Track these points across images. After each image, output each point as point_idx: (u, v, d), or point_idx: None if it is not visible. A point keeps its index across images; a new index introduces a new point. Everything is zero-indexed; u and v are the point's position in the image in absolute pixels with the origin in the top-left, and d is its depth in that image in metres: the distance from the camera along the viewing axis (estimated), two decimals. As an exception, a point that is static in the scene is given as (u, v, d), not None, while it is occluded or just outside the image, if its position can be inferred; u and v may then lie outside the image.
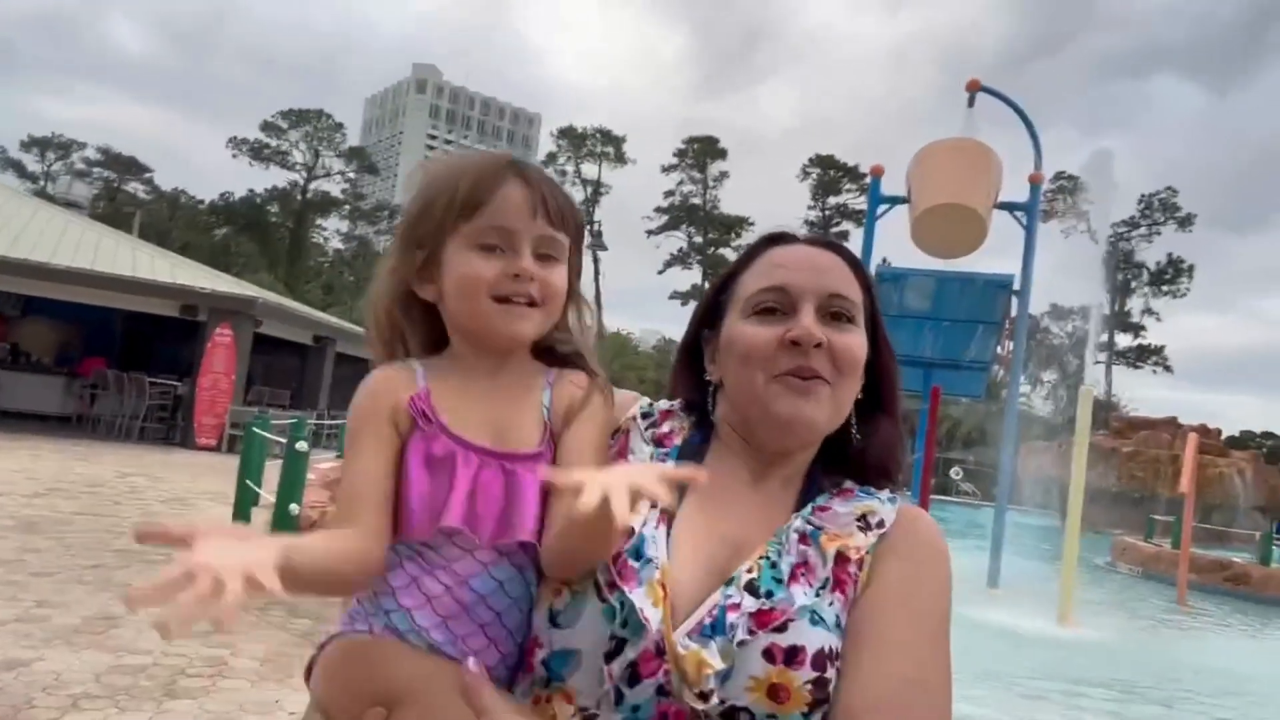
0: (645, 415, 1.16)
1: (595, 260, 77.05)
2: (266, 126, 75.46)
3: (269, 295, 22.44)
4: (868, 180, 13.14)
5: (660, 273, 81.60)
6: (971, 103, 12.83)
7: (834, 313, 1.08)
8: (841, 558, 1.00)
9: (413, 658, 0.97)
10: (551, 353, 1.13)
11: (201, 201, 79.13)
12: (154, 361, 20.26)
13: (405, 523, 1.00)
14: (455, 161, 1.10)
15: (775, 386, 1.04)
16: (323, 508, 7.79)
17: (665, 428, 1.14)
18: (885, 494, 1.10)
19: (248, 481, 8.67)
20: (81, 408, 18.88)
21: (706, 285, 1.20)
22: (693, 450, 1.12)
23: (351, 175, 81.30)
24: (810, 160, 78.26)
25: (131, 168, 79.84)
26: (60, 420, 18.79)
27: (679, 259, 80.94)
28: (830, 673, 0.94)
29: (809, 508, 1.06)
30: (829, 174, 77.31)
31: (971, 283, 12.41)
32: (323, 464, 11.62)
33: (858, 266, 1.14)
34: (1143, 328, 69.93)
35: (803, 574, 0.99)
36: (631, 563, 0.98)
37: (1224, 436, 41.08)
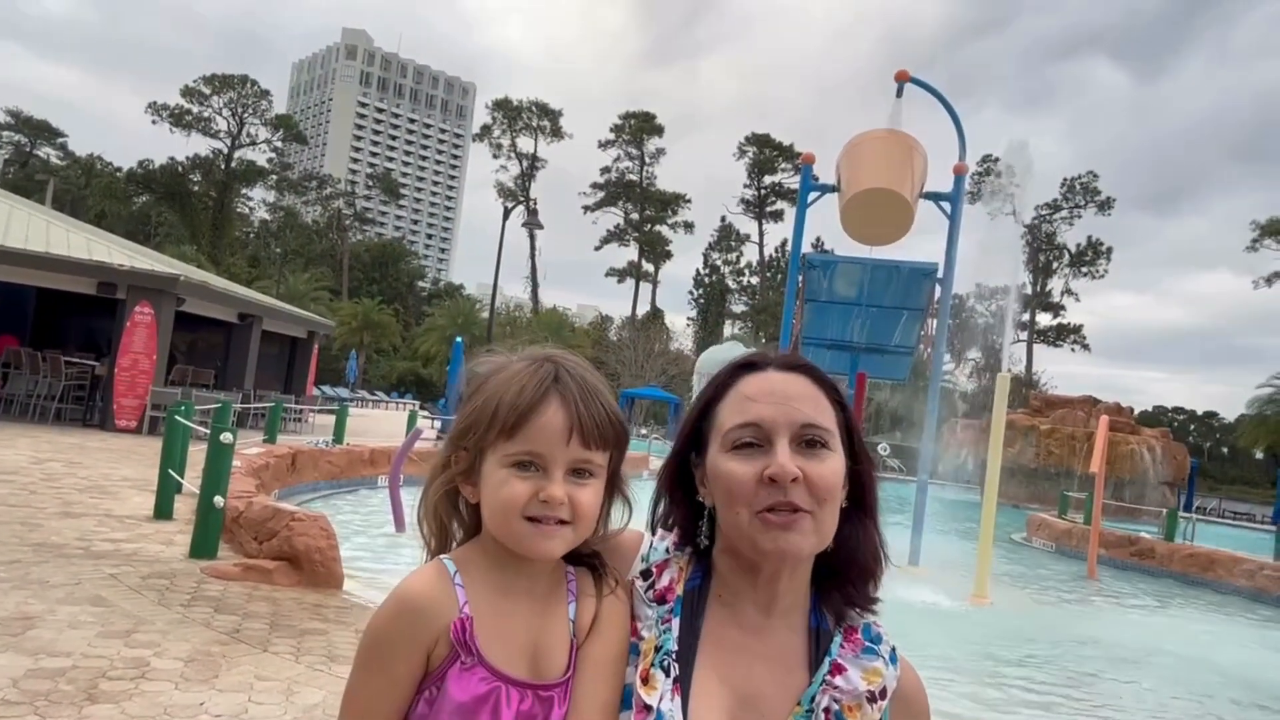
0: (644, 575, 1.18)
1: (532, 237, 76.46)
2: (188, 92, 72.71)
3: (192, 271, 21.80)
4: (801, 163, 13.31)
5: (597, 249, 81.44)
6: (900, 93, 13.06)
7: (808, 440, 1.11)
8: None
9: None
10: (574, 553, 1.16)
11: (119, 169, 76.11)
12: (70, 340, 19.59)
13: None
14: (502, 372, 1.12)
15: (759, 523, 1.09)
16: (249, 498, 7.70)
17: (665, 580, 1.16)
18: (886, 650, 1.16)
19: (170, 471, 8.49)
20: (-8, 387, 18.15)
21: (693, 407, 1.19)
22: (693, 598, 1.15)
23: (278, 144, 78.92)
24: (746, 139, 78.61)
25: (44, 131, 76.35)
26: (-31, 401, 18.05)
27: (616, 235, 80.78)
28: None
29: (826, 664, 1.12)
30: (764, 153, 77.74)
31: (897, 270, 12.71)
32: (249, 449, 11.44)
33: (827, 385, 1.18)
34: (1062, 307, 72.31)
35: None
36: None
37: (1137, 412, 42.84)
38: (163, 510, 8.33)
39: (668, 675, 1.06)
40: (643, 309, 78.78)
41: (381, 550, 9.27)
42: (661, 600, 1.14)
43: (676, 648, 1.09)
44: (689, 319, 79.46)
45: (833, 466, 1.12)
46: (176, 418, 8.98)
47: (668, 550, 1.20)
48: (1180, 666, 8.52)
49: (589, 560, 1.17)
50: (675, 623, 1.11)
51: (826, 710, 1.08)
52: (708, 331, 72.84)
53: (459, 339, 26.85)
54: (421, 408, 36.64)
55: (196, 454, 8.70)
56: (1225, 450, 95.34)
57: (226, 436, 7.04)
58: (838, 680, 1.10)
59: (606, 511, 1.17)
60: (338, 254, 78.67)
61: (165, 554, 6.90)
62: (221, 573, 6.40)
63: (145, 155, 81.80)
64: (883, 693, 1.11)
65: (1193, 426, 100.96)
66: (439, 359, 59.73)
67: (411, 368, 66.17)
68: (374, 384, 62.61)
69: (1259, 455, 73.75)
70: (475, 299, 76.70)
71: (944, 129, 13.27)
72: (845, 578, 1.17)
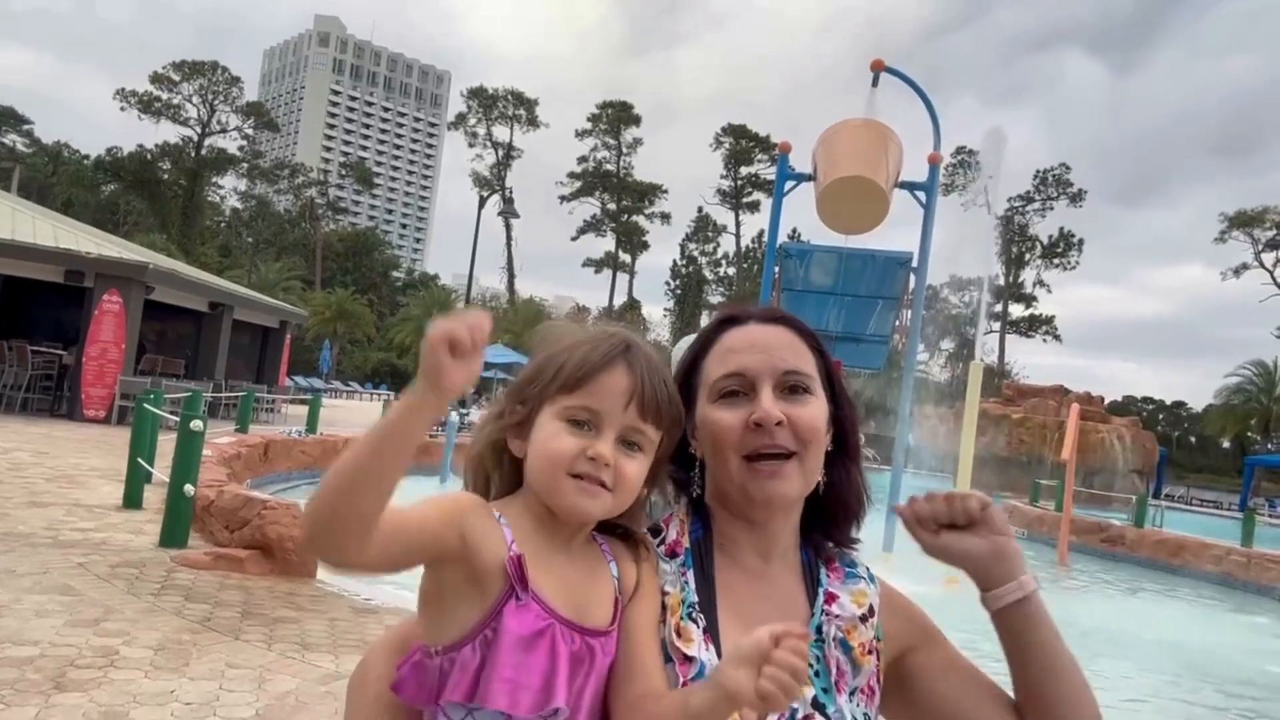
0: (654, 532, 1.21)
1: (508, 226, 76.05)
2: (157, 79, 71.53)
3: (160, 260, 21.50)
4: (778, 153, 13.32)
5: (574, 239, 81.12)
6: (875, 82, 13.10)
7: (791, 386, 1.17)
8: (871, 664, 1.16)
9: None
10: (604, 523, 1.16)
11: (87, 156, 74.81)
12: (37, 329, 19.24)
13: (484, 691, 0.99)
14: (575, 333, 1.14)
15: (748, 470, 1.15)
16: (219, 487, 7.60)
17: (672, 534, 1.20)
18: (864, 571, 1.24)
19: (139, 460, 8.37)
20: (-44, 377, 17.82)
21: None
22: (700, 549, 1.19)
23: (249, 131, 77.83)
24: (723, 129, 78.49)
25: (9, 118, 74.84)
26: (-68, 390, 17.71)
27: (592, 226, 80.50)
28: None
29: (820, 595, 1.19)
30: (741, 143, 77.68)
31: (872, 259, 12.76)
32: (220, 439, 11.30)
33: (807, 334, 1.24)
34: (1034, 298, 73.00)
35: (840, 681, 1.13)
36: None
37: (1107, 402, 43.38)
38: (132, 499, 8.22)
39: (698, 627, 1.11)
40: (620, 299, 78.68)
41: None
42: (672, 554, 1.18)
43: (697, 599, 1.13)
44: (666, 310, 79.46)
45: (815, 410, 1.18)
46: (146, 406, 8.85)
47: (670, 507, 1.24)
48: (1149, 649, 8.66)
49: (619, 531, 1.17)
50: (690, 575, 1.16)
51: (834, 638, 1.15)
52: (684, 322, 72.82)
53: (434, 329, 26.65)
54: (396, 398, 36.38)
55: (167, 444, 8.58)
56: (1193, 439, 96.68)
57: (196, 424, 6.95)
58: (834, 608, 1.17)
59: (646, 497, 1.17)
60: (310, 243, 77.82)
61: (135, 543, 6.81)
62: (192, 561, 6.32)
63: (113, 143, 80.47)
64: (871, 610, 1.19)
65: (1161, 416, 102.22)
66: (414, 350, 59.18)
67: (386, 358, 65.67)
68: (348, 375, 62.10)
69: (1226, 444, 74.97)
70: (451, 289, 76.23)
71: (919, 119, 13.33)
72: (831, 519, 1.25)
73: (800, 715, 1.08)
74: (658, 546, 1.20)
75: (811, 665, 1.11)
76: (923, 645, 1.23)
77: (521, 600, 1.02)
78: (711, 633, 1.11)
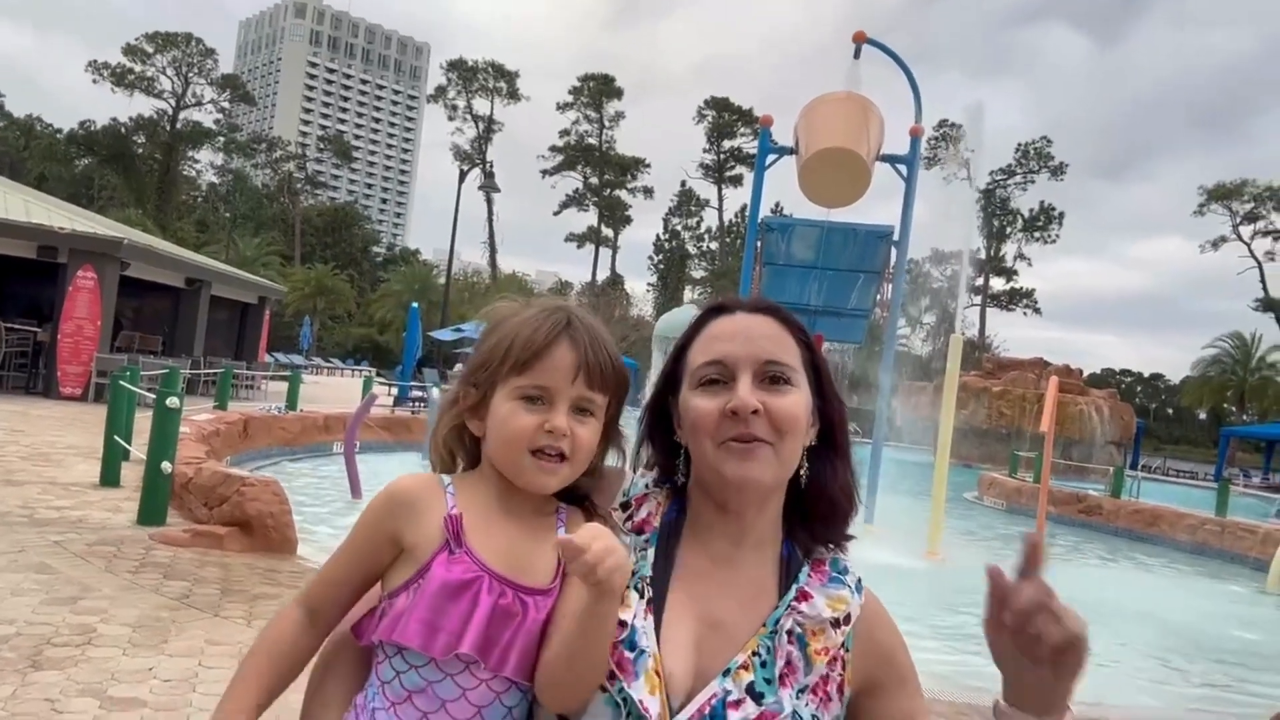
0: (624, 506, 1.25)
1: (489, 201, 75.52)
2: (130, 50, 70.24)
3: (136, 235, 21.22)
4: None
5: (556, 214, 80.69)
6: (857, 54, 13.03)
7: (771, 376, 1.17)
8: (824, 663, 1.14)
9: None
10: (566, 491, 1.23)
11: (59, 130, 73.58)
12: (9, 306, 18.99)
13: (402, 629, 1.09)
14: (517, 315, 1.22)
15: (721, 452, 1.15)
16: (198, 464, 7.55)
17: (643, 512, 1.23)
18: (852, 580, 1.20)
19: (116, 438, 8.29)
20: (-71, 355, 17.57)
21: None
22: (670, 529, 1.21)
23: (225, 104, 76.68)
24: (706, 102, 78.00)
25: (-23, 91, 73.62)
26: (-95, 369, 17.46)
27: (575, 200, 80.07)
28: None
29: (793, 591, 1.17)
30: (724, 117, 77.29)
31: (854, 233, 12.75)
32: (199, 416, 11.21)
33: (793, 326, 1.24)
34: (1015, 272, 73.36)
35: (788, 675, 1.11)
36: (627, 654, 1.08)
37: (1086, 374, 43.82)
38: (109, 477, 8.15)
39: (641, 597, 1.12)
40: (602, 274, 78.46)
41: (337, 516, 9.18)
42: (639, 531, 1.21)
43: (651, 574, 1.15)
44: (649, 284, 79.34)
45: (794, 400, 1.17)
46: (121, 383, 8.76)
47: (647, 486, 1.27)
48: (1125, 617, 8.78)
49: (581, 502, 1.25)
50: (651, 552, 1.18)
51: (789, 632, 1.13)
52: (668, 297, 72.74)
53: (415, 305, 26.48)
54: (378, 374, 36.24)
55: (144, 422, 8.51)
56: (1170, 411, 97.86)
57: (173, 401, 6.89)
58: (803, 606, 1.15)
59: (601, 456, 1.25)
60: (289, 218, 76.99)
61: (112, 521, 6.76)
62: (171, 539, 6.28)
63: (87, 116, 79.03)
64: (846, 619, 1.17)
65: (1139, 388, 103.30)
66: (395, 325, 58.98)
67: (367, 334, 65.29)
68: (329, 351, 61.75)
69: (1202, 416, 75.95)
70: (432, 264, 75.66)
71: (901, 91, 13.28)
72: (815, 514, 1.23)
73: (731, 698, 1.07)
74: (625, 521, 1.22)
75: (758, 654, 1.11)
76: (890, 689, 1.19)
77: (454, 554, 1.12)
78: (656, 605, 1.13)
